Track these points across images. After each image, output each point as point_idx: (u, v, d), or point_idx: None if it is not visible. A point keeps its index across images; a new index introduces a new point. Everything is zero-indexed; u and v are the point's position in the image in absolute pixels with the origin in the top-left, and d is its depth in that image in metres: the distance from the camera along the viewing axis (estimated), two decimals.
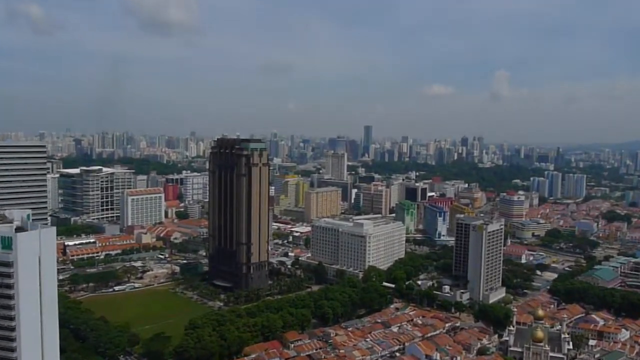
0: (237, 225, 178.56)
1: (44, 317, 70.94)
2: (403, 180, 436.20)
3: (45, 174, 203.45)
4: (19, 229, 72.93)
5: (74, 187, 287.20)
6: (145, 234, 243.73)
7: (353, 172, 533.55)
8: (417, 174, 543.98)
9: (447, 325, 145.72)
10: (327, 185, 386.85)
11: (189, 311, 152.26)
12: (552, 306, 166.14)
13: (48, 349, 71.96)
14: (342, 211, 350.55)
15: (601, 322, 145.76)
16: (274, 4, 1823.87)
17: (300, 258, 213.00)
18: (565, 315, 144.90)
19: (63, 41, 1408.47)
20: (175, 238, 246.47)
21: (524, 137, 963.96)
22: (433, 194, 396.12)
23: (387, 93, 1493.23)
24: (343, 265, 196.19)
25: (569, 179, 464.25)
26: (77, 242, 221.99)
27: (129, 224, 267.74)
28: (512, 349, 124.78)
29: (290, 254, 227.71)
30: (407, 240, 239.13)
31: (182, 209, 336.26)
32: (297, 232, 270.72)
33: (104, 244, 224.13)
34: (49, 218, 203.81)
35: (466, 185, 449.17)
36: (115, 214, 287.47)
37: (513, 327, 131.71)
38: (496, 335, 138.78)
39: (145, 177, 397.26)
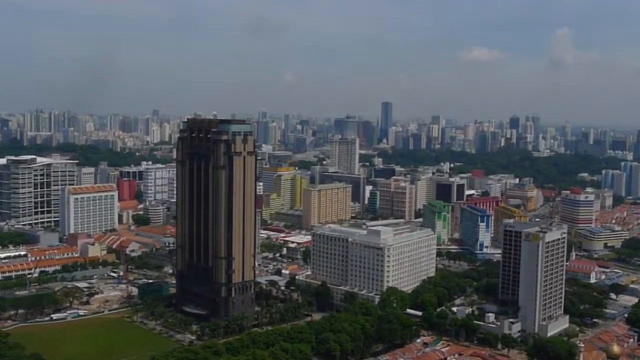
0: (215, 233, 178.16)
1: None
2: (433, 174, 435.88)
3: None
4: None
5: None
6: (93, 245, 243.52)
7: (367, 164, 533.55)
8: (452, 165, 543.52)
9: None
10: (333, 180, 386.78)
11: (150, 347, 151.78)
12: (631, 340, 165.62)
13: None
14: (353, 215, 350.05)
15: None
16: None
17: (297, 277, 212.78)
18: None
19: None
20: (133, 250, 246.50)
21: (594, 117, 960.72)
22: (473, 192, 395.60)
23: (412, 60, 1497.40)
24: (354, 287, 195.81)
25: None
26: (2, 256, 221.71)
27: (71, 231, 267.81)
28: None
29: (284, 271, 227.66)
30: (439, 254, 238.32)
31: (141, 212, 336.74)
32: (293, 242, 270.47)
33: (38, 258, 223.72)
34: None
35: (517, 180, 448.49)
36: (53, 219, 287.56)
37: None
38: None
39: (92, 169, 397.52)
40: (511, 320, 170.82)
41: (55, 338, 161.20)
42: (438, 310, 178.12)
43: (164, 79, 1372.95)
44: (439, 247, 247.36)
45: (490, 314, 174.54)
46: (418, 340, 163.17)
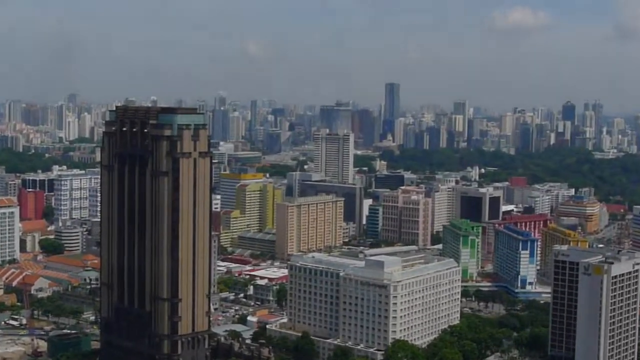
0: (154, 265, 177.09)
1: None
2: (457, 183, 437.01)
3: None
4: None
5: None
6: None
7: (365, 169, 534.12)
8: (483, 171, 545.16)
9: None
10: (319, 192, 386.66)
11: None
12: None
13: None
14: (346, 240, 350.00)
15: None
16: None
17: (268, 326, 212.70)
18: None
19: None
20: (40, 289, 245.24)
21: None
22: (512, 207, 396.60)
23: (427, 24, 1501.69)
24: (347, 340, 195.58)
25: None
26: None
27: None
28: None
29: (250, 318, 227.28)
30: (465, 293, 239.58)
31: (52, 236, 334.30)
32: (262, 278, 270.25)
33: None
34: None
35: (572, 191, 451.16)
36: None
37: None
38: None
39: None
40: None
41: None
42: None
43: (84, 51, 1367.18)
44: (464, 283, 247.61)
45: None
46: None
